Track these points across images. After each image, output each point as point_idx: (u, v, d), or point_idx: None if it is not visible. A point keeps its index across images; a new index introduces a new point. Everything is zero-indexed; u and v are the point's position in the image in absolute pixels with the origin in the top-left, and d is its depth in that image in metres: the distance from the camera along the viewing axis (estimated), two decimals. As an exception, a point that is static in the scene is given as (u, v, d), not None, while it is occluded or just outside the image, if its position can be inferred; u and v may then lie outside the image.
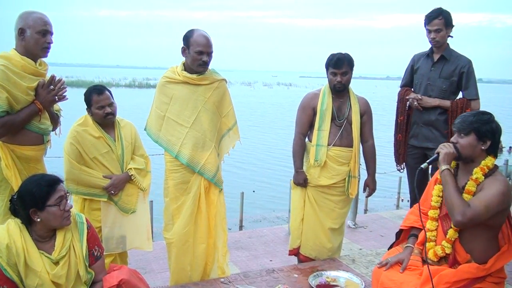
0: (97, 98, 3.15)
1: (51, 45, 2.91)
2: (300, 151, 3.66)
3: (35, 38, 2.81)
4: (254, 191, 9.96)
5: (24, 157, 2.88)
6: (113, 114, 3.21)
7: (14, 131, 2.81)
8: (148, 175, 3.43)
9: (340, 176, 3.58)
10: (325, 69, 3.58)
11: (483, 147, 2.44)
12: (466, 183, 2.46)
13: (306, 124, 3.64)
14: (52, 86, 2.86)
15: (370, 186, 3.75)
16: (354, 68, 3.57)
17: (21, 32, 2.81)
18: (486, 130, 2.43)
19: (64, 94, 2.97)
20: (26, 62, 2.81)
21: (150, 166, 3.49)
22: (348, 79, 3.52)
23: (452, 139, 2.52)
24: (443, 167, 2.45)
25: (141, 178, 3.35)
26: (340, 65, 3.46)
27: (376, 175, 3.79)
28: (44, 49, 2.87)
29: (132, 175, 3.28)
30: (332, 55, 3.50)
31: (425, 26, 3.86)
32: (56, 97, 2.91)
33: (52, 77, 2.90)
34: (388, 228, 5.95)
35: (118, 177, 3.23)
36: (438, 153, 2.50)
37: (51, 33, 2.90)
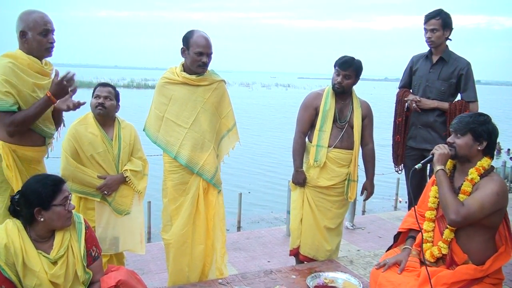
0: (98, 88, 3.27)
1: (54, 43, 2.89)
2: (300, 150, 3.67)
3: (37, 40, 2.79)
4: (249, 192, 9.95)
5: (25, 158, 2.87)
6: (104, 107, 3.21)
7: (27, 125, 2.79)
8: (144, 178, 3.42)
9: (339, 178, 3.59)
10: (330, 70, 3.60)
11: (479, 148, 2.47)
12: (462, 184, 2.48)
13: (308, 123, 3.64)
14: (65, 82, 2.78)
15: (368, 189, 3.77)
16: (360, 76, 3.58)
17: (22, 34, 2.79)
18: (482, 130, 2.46)
19: (72, 88, 2.91)
20: (32, 61, 2.81)
21: (148, 170, 3.49)
22: (349, 84, 3.51)
23: (449, 139, 2.55)
24: (438, 167, 2.48)
25: (137, 180, 3.34)
26: (345, 67, 3.46)
27: (374, 177, 3.80)
28: (47, 49, 2.86)
29: (127, 176, 3.29)
30: (343, 56, 3.52)
31: (423, 26, 3.87)
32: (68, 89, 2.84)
33: (64, 75, 2.82)
34: (386, 229, 5.96)
35: (112, 177, 3.24)
36: (433, 154, 2.54)
37: (53, 31, 2.87)
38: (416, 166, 2.56)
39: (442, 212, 2.46)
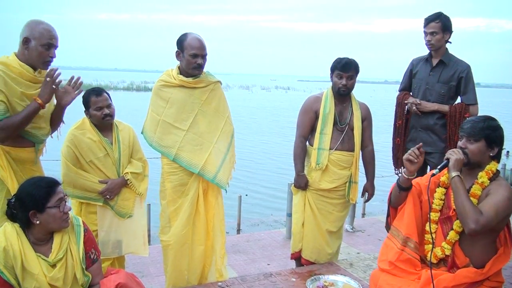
0: (95, 99, 3.16)
1: (54, 59, 2.87)
2: (301, 154, 3.67)
3: (38, 50, 2.78)
4: (246, 195, 9.92)
5: (19, 159, 2.87)
6: (111, 115, 3.20)
7: (15, 131, 2.78)
8: (145, 180, 3.41)
9: (341, 180, 3.60)
10: (329, 72, 3.60)
11: (491, 154, 2.45)
12: (470, 187, 2.46)
13: (308, 127, 3.64)
14: (48, 78, 2.79)
15: (369, 191, 3.77)
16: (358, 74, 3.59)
17: (25, 41, 2.77)
18: (496, 137, 2.43)
19: (77, 83, 2.93)
20: (24, 69, 2.79)
21: (148, 170, 3.47)
22: (353, 84, 3.55)
23: (460, 144, 2.50)
24: (453, 173, 2.42)
25: (138, 182, 3.32)
26: (347, 69, 3.48)
27: (374, 179, 3.80)
28: (45, 62, 2.85)
29: (128, 179, 3.27)
30: (340, 59, 3.53)
31: (423, 29, 3.87)
32: (54, 86, 2.82)
33: (52, 70, 2.83)
34: (386, 232, 5.93)
35: (113, 181, 3.21)
36: (447, 159, 2.47)
37: (56, 47, 2.87)
38: (434, 171, 2.51)
39: (460, 220, 2.40)
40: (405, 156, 2.58)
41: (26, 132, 2.87)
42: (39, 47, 2.78)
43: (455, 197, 2.41)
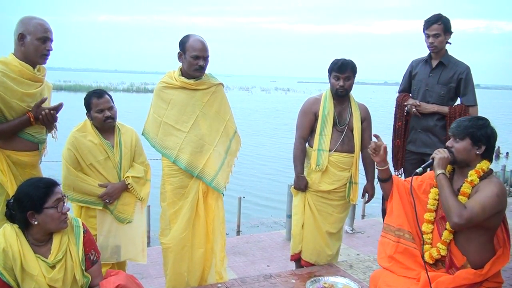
0: (97, 101, 3.12)
1: (51, 52, 2.89)
2: (301, 156, 3.67)
3: (35, 44, 2.79)
4: (244, 197, 9.92)
5: (20, 163, 2.87)
6: (112, 118, 3.16)
7: (3, 138, 2.80)
8: (147, 184, 3.36)
9: (341, 182, 3.60)
10: (327, 74, 3.60)
11: (478, 152, 2.47)
12: (461, 186, 2.48)
13: (307, 128, 3.64)
14: (45, 111, 2.83)
15: (369, 192, 3.77)
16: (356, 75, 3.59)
17: (21, 37, 2.78)
18: (481, 135, 2.46)
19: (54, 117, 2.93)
20: (24, 67, 2.79)
21: (150, 175, 3.42)
22: (350, 85, 3.54)
23: (448, 143, 2.56)
24: (438, 171, 2.48)
25: (139, 187, 3.28)
26: (343, 70, 3.48)
27: (375, 180, 3.80)
28: (43, 56, 2.85)
29: (129, 184, 3.22)
30: (337, 60, 3.53)
31: (424, 31, 3.87)
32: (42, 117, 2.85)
33: (60, 105, 2.90)
34: (385, 234, 5.93)
35: (113, 185, 3.17)
36: (433, 158, 2.54)
37: (51, 40, 2.87)
38: (417, 170, 2.57)
39: (445, 215, 2.46)
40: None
41: (26, 134, 2.88)
42: (35, 41, 2.79)
43: (440, 194, 2.46)
